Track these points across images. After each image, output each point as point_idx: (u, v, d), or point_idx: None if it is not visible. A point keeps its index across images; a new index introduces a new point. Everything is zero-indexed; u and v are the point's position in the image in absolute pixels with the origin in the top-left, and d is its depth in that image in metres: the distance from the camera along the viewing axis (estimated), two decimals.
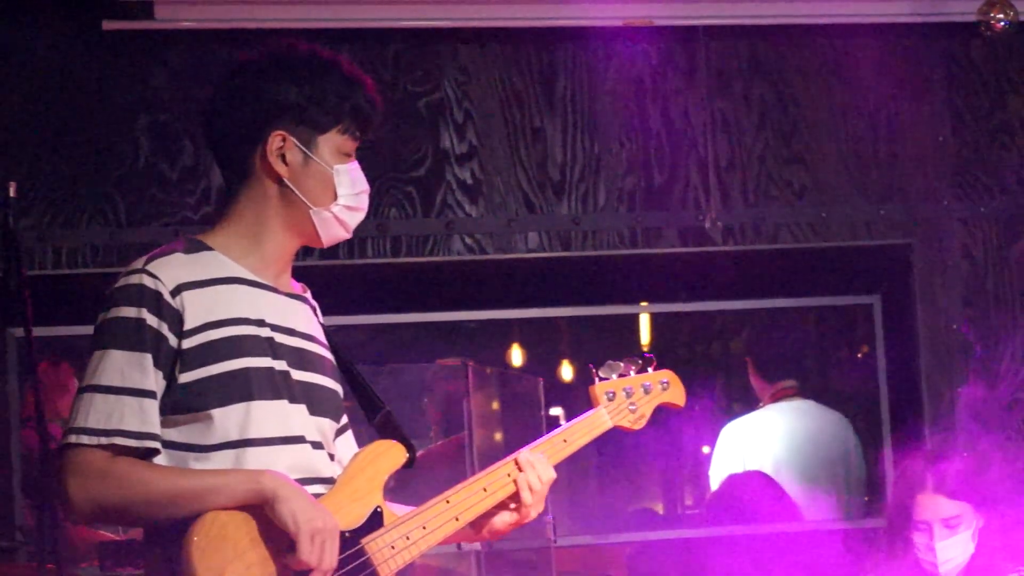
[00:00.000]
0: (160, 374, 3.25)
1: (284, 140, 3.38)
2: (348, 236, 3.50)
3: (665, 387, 3.84)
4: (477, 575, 5.76)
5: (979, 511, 4.77)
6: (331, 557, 3.21)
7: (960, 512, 4.75)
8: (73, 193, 5.60)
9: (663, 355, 3.94)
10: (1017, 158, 6.07)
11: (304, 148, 3.39)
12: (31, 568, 5.01)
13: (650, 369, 3.83)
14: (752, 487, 6.14)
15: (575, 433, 3.69)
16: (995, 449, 5.52)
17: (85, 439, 3.21)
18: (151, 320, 3.25)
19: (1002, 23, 5.62)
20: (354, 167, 3.44)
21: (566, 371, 7.93)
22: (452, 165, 5.84)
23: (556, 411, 7.38)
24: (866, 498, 6.41)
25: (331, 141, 3.41)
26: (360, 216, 3.48)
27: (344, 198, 3.41)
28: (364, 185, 3.47)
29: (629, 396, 3.77)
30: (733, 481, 6.25)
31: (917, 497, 4.78)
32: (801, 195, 6.00)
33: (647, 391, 3.80)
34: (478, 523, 3.58)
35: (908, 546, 4.81)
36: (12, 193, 4.35)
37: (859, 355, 6.91)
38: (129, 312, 3.26)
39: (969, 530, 4.77)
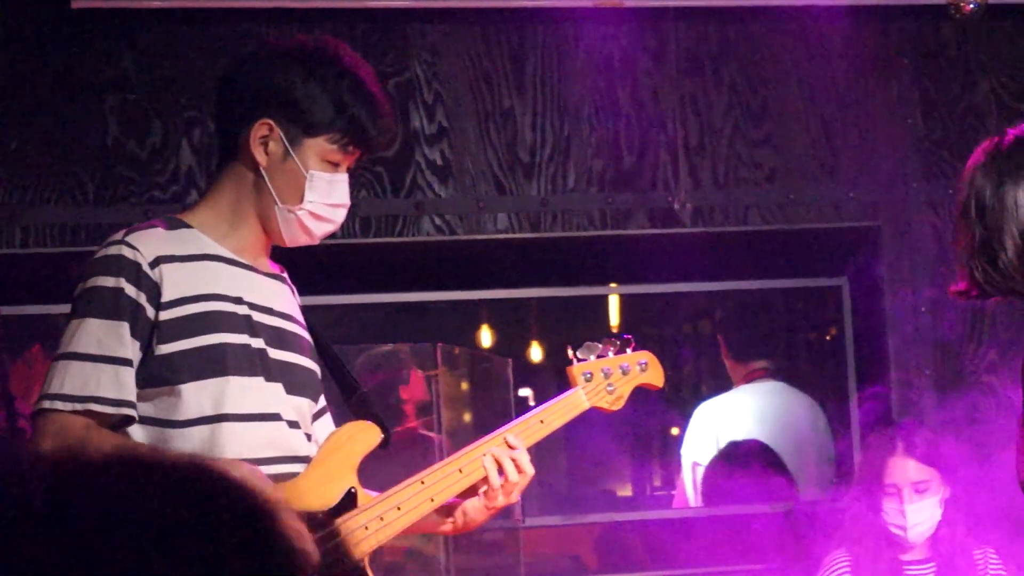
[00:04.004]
0: (137, 344, 3.25)
1: (271, 130, 3.37)
2: (312, 242, 3.48)
3: (643, 368, 3.83)
4: (445, 556, 5.76)
5: (946, 481, 4.85)
6: None
7: (929, 478, 4.83)
8: (41, 172, 5.56)
9: (632, 337, 3.94)
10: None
11: (287, 144, 3.37)
12: None
13: (628, 350, 3.83)
14: (753, 456, 6.16)
15: (552, 414, 3.68)
16: (963, 426, 5.57)
17: (60, 404, 3.21)
18: (129, 290, 3.24)
19: (971, 6, 5.62)
20: (336, 179, 3.41)
21: (535, 352, 7.93)
22: (422, 146, 5.82)
23: (525, 392, 7.39)
24: (833, 480, 6.43)
25: (318, 147, 3.39)
26: (329, 227, 3.46)
27: (311, 204, 3.39)
28: (341, 199, 3.44)
29: (607, 377, 3.76)
30: (735, 448, 6.25)
31: (888, 461, 4.85)
32: (770, 177, 6.00)
33: (625, 372, 3.79)
34: (450, 511, 3.58)
35: (876, 513, 4.86)
36: None
37: (827, 337, 6.93)
38: (107, 282, 3.26)
39: (936, 497, 4.85)
